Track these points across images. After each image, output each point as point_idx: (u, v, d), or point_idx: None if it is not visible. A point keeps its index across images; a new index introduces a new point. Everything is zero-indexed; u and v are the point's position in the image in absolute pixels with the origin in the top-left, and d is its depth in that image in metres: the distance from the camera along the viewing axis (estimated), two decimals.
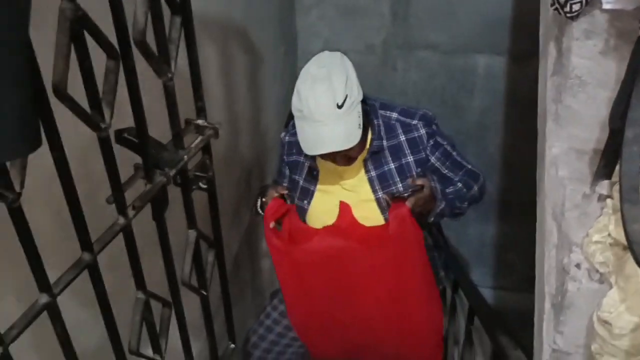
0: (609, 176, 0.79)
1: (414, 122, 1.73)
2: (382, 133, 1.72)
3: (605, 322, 0.77)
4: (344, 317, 1.86)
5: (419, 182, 1.67)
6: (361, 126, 1.57)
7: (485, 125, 2.93)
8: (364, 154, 1.73)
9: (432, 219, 1.72)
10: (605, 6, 0.74)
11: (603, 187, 0.80)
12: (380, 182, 1.73)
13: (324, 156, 1.65)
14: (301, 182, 1.83)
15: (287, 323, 2.01)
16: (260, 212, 1.83)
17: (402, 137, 1.73)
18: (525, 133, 2.89)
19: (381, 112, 1.75)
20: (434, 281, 1.83)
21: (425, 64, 2.83)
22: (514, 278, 3.32)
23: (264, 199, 1.84)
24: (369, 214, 1.75)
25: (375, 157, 1.73)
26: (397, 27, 2.78)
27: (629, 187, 0.61)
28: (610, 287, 0.79)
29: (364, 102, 1.64)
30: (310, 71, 1.58)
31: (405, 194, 1.67)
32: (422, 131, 1.72)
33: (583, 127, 0.86)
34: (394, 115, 1.75)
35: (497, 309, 3.23)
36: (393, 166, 1.73)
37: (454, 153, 1.79)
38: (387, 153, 1.73)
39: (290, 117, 1.78)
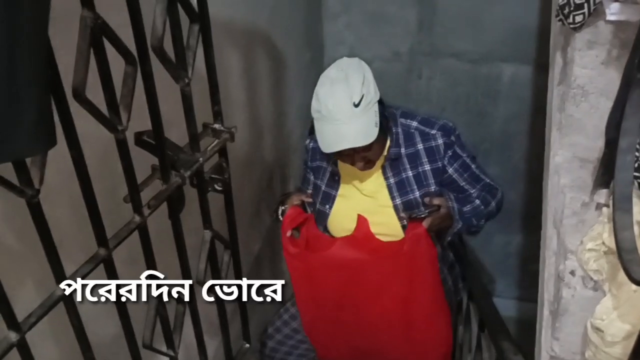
0: (607, 185, 0.79)
1: (433, 131, 1.75)
2: (401, 141, 1.75)
3: (598, 330, 0.77)
4: (352, 324, 1.89)
5: (436, 201, 1.71)
6: (378, 124, 1.59)
7: (510, 134, 2.91)
8: (382, 160, 1.75)
9: (449, 237, 1.75)
10: (610, 17, 0.75)
11: (601, 196, 0.80)
12: (399, 189, 1.76)
13: (344, 158, 1.68)
14: (323, 187, 1.87)
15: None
16: (281, 219, 1.87)
17: (420, 146, 1.75)
18: None
19: (401, 120, 1.78)
20: (444, 297, 1.85)
21: (451, 72, 2.83)
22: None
23: (284, 207, 1.88)
24: (386, 219, 1.77)
25: (393, 165, 1.76)
26: (423, 34, 2.78)
27: (621, 195, 0.62)
28: (604, 294, 0.79)
29: (382, 105, 1.67)
30: (329, 75, 1.63)
31: (422, 215, 1.71)
32: (440, 141, 1.74)
33: (585, 136, 0.87)
34: (414, 124, 1.77)
35: (521, 321, 3.20)
36: (411, 174, 1.75)
37: (473, 166, 1.80)
38: (405, 160, 1.75)
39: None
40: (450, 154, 1.75)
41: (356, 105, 1.55)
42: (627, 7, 0.72)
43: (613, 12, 0.74)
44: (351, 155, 1.65)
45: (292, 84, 2.35)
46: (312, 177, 1.93)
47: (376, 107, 1.61)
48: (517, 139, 2.90)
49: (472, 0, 2.64)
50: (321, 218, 1.89)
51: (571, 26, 0.77)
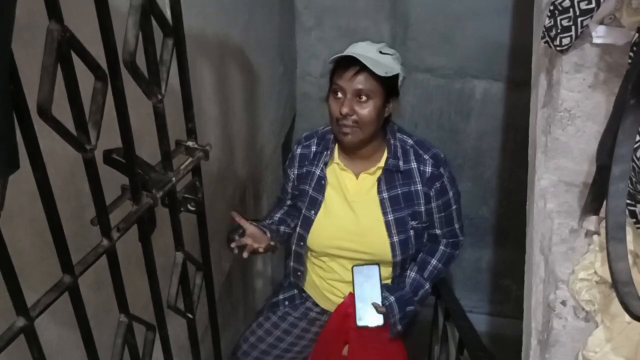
0: (596, 212, 0.78)
1: (425, 156, 1.75)
2: (399, 154, 1.74)
3: None
4: None
5: (381, 310, 1.77)
6: (388, 75, 1.62)
7: (482, 150, 2.93)
8: (379, 172, 1.73)
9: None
10: (596, 40, 0.74)
11: (590, 222, 0.79)
12: (392, 204, 1.73)
13: (336, 101, 1.67)
14: (310, 191, 1.82)
15: (279, 334, 2.00)
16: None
17: (414, 165, 1.74)
18: (522, 159, 2.90)
19: (399, 134, 1.78)
20: None
21: (423, 87, 2.84)
22: (510, 305, 3.30)
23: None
24: (375, 238, 1.75)
25: (389, 178, 1.73)
26: (396, 49, 2.77)
27: (614, 225, 0.60)
28: (596, 325, 0.78)
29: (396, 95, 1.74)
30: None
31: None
32: (429, 169, 1.73)
33: (572, 160, 0.86)
34: (410, 141, 1.77)
35: (492, 336, 3.20)
36: (404, 190, 1.74)
37: (454, 207, 1.81)
38: (400, 176, 1.74)
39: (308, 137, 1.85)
40: (438, 186, 1.74)
41: (381, 53, 1.63)
42: (613, 30, 0.71)
43: (599, 34, 0.73)
44: (343, 100, 1.64)
45: (265, 98, 2.32)
46: (290, 188, 1.89)
47: (396, 72, 1.65)
48: (489, 155, 2.93)
49: (445, 15, 2.66)
50: (306, 224, 1.83)
51: (558, 49, 0.76)
